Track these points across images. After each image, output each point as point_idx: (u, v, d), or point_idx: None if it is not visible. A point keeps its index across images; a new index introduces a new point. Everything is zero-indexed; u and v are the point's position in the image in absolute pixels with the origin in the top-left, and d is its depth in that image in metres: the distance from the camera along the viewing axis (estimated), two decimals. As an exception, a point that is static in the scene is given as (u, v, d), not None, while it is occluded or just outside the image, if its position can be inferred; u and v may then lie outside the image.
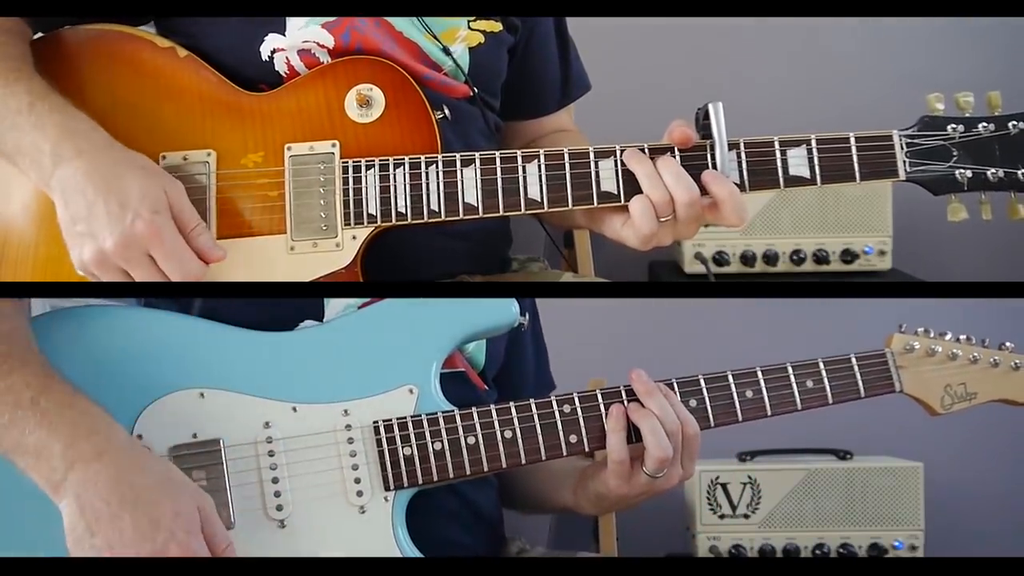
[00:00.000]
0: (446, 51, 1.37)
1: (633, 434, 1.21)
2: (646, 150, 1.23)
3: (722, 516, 2.08)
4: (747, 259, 2.24)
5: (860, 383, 1.28)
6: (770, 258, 2.24)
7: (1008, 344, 1.32)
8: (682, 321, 2.40)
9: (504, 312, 1.26)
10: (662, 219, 1.21)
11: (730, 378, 1.25)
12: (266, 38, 1.31)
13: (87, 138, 1.17)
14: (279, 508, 1.15)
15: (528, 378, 1.47)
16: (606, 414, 1.22)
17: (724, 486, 2.09)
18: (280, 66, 1.31)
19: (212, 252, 1.17)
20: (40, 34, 1.30)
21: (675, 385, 1.24)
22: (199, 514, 1.07)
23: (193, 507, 1.07)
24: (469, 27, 1.39)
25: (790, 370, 1.26)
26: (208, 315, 1.23)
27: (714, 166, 1.21)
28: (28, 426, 1.07)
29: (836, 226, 2.25)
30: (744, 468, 2.09)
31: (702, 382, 1.25)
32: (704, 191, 1.20)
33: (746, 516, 2.08)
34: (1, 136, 1.18)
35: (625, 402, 1.22)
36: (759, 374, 1.26)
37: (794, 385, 1.26)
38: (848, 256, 2.24)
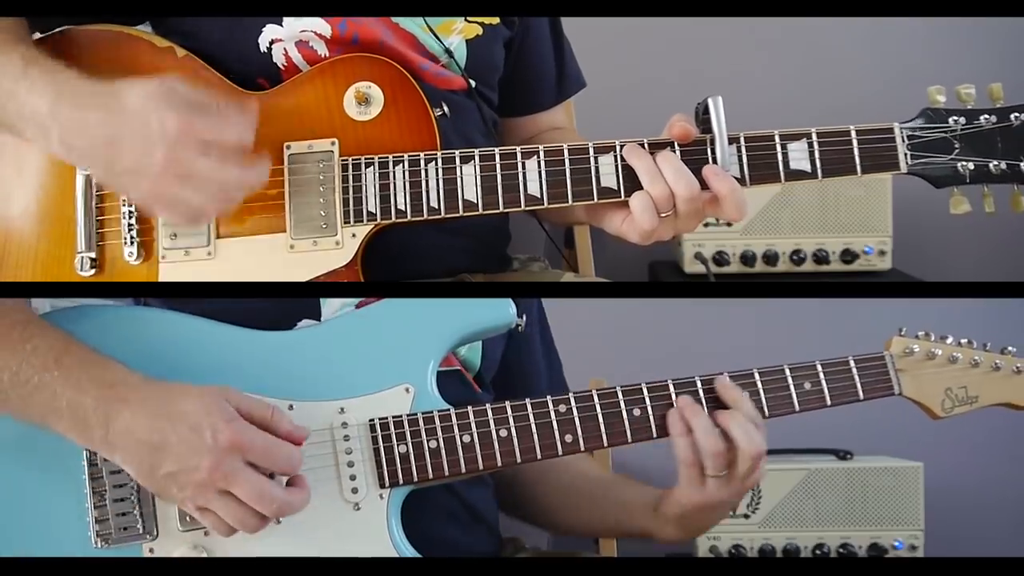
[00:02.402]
0: (443, 43, 1.37)
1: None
2: (646, 145, 1.23)
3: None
4: (747, 259, 2.24)
5: (859, 386, 1.27)
6: (770, 258, 2.25)
7: (1010, 348, 1.31)
8: (682, 321, 2.40)
9: (501, 312, 1.25)
10: (663, 215, 1.21)
11: (726, 379, 1.24)
12: (264, 29, 1.31)
13: (81, 89, 1.15)
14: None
15: (541, 389, 1.46)
16: (601, 415, 1.22)
17: (724, 486, 2.08)
18: (278, 58, 1.31)
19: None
20: (38, 34, 1.30)
21: (670, 386, 1.23)
22: (228, 401, 1.09)
23: (219, 398, 1.09)
24: (466, 20, 1.39)
25: (788, 372, 1.26)
26: (207, 314, 1.23)
27: (714, 160, 1.21)
28: (57, 387, 1.09)
29: (836, 226, 2.25)
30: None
31: (698, 383, 1.24)
32: (704, 186, 1.20)
33: (746, 516, 2.08)
34: (2, 107, 1.17)
35: (622, 401, 1.22)
36: (756, 376, 1.25)
37: (792, 387, 1.25)
38: (848, 256, 2.24)
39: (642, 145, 1.23)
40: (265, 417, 1.11)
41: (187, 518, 1.14)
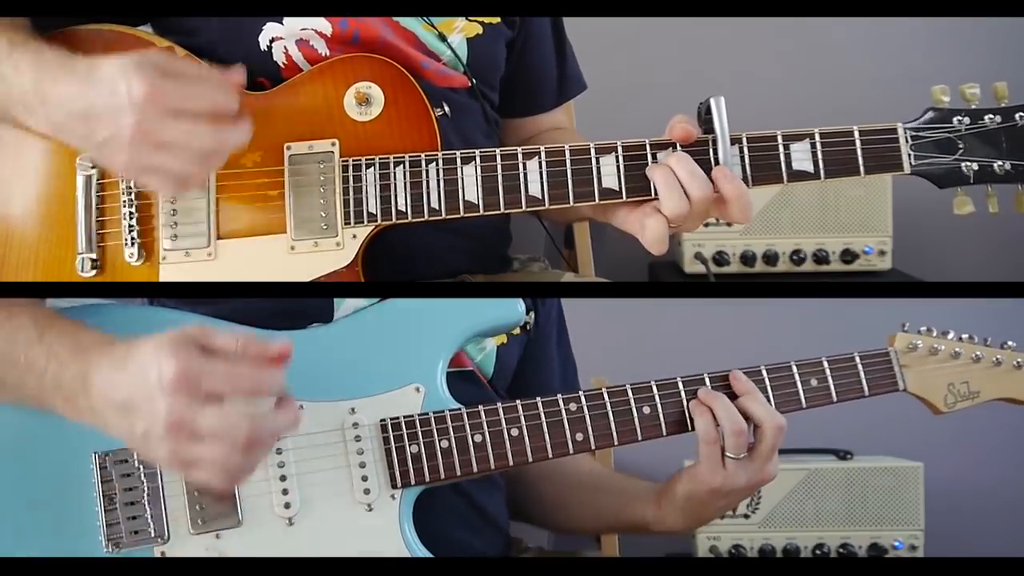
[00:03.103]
0: (444, 40, 1.37)
1: (691, 423, 1.23)
2: (647, 146, 1.23)
3: (722, 516, 2.07)
4: (747, 259, 2.24)
5: (864, 382, 1.27)
6: (770, 258, 2.25)
7: (1011, 343, 1.31)
8: (682, 321, 2.40)
9: (510, 310, 1.26)
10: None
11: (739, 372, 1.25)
12: (264, 27, 1.31)
13: (60, 63, 1.14)
14: (287, 506, 1.15)
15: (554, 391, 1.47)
16: (612, 413, 1.22)
17: (724, 486, 2.08)
18: (279, 56, 1.31)
19: (231, 74, 1.15)
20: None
21: (679, 383, 1.24)
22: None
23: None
24: (468, 18, 1.39)
25: (795, 369, 1.26)
26: (216, 316, 1.23)
27: (716, 161, 1.21)
28: (41, 363, 1.08)
29: (836, 226, 2.25)
30: (744, 468, 2.08)
31: (707, 380, 1.25)
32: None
33: (746, 516, 2.08)
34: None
35: (632, 399, 1.22)
36: (764, 372, 1.26)
37: (799, 384, 1.26)
38: (848, 256, 2.25)
39: (643, 146, 1.22)
40: (228, 346, 1.04)
41: (199, 520, 1.14)
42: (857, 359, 1.28)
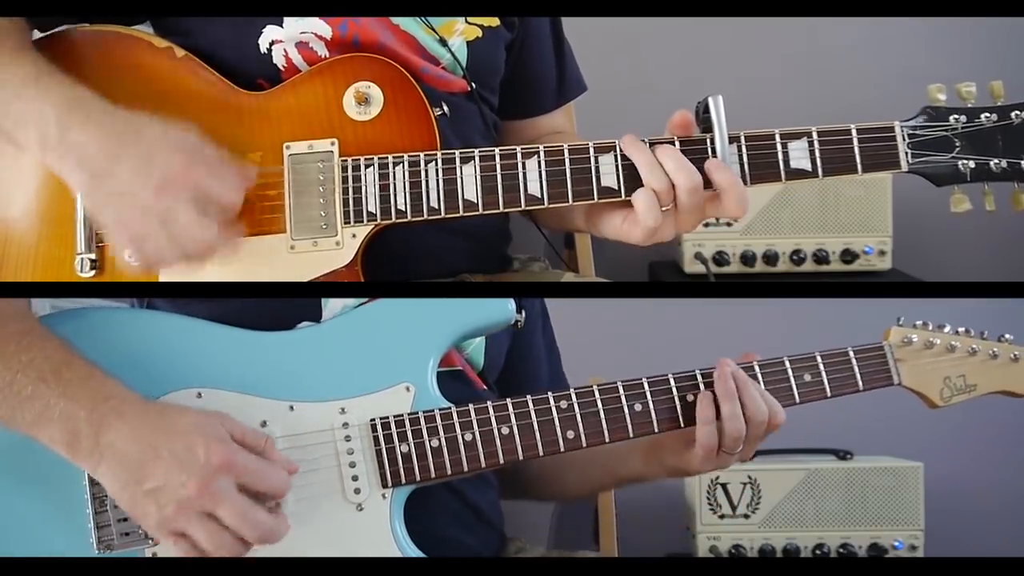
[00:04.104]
0: (444, 44, 1.37)
1: (683, 420, 1.24)
2: (646, 143, 1.23)
3: (722, 516, 2.08)
4: (747, 259, 2.24)
5: (858, 376, 1.27)
6: (770, 258, 2.25)
7: (1007, 336, 1.31)
8: (682, 321, 2.40)
9: (500, 310, 1.26)
10: (664, 208, 1.21)
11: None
12: (264, 30, 1.31)
13: (94, 105, 1.16)
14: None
15: (541, 386, 1.47)
16: (603, 410, 1.22)
17: (724, 486, 2.09)
18: (278, 59, 1.31)
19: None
20: (38, 33, 1.30)
21: (671, 380, 1.24)
22: (222, 426, 1.09)
23: (214, 420, 1.09)
24: (467, 21, 1.39)
25: (787, 364, 1.26)
26: (207, 316, 1.23)
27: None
28: (51, 399, 1.08)
29: (836, 226, 2.25)
30: (744, 468, 2.08)
31: (699, 377, 1.25)
32: (706, 183, 1.21)
33: (746, 516, 2.08)
34: (4, 108, 1.17)
35: (623, 396, 1.22)
36: (756, 368, 1.26)
37: (792, 379, 1.26)
38: (848, 256, 2.25)
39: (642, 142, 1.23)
40: (259, 444, 1.10)
41: None
42: (851, 353, 1.28)
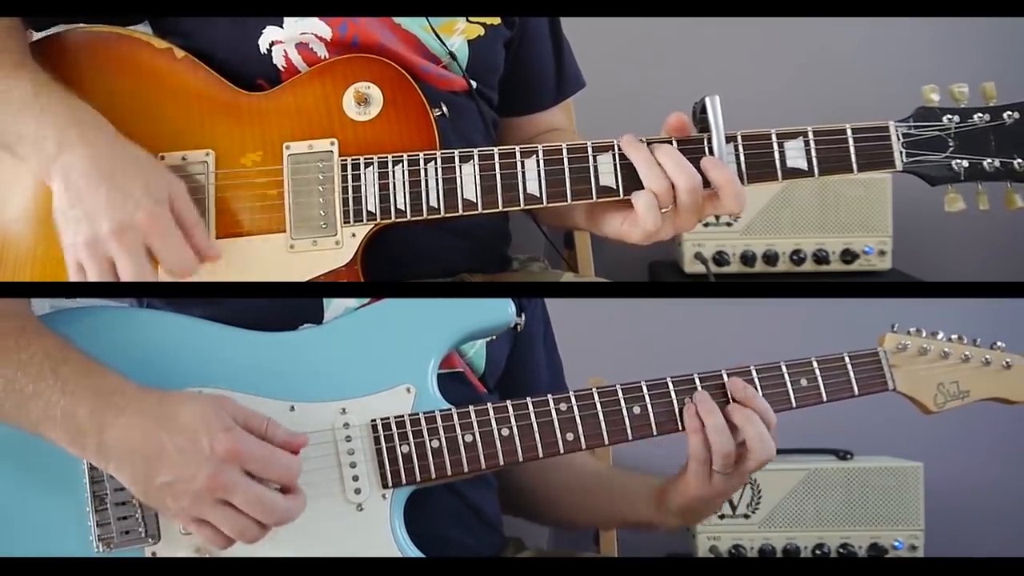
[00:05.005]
0: (444, 43, 1.37)
1: (681, 424, 1.24)
2: (644, 143, 1.23)
3: (722, 516, 2.07)
4: (747, 259, 2.24)
5: (854, 382, 1.28)
6: (770, 258, 2.24)
7: (999, 343, 1.32)
8: (682, 321, 2.40)
9: (500, 312, 1.26)
10: (664, 209, 1.21)
11: (724, 376, 1.26)
12: (264, 31, 1.31)
13: (93, 127, 1.17)
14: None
15: (541, 390, 1.47)
16: (602, 413, 1.22)
17: (724, 486, 2.08)
18: (278, 60, 1.31)
19: (209, 250, 1.18)
20: (36, 34, 1.31)
21: (669, 384, 1.24)
22: (224, 410, 1.09)
23: (216, 407, 1.09)
24: (468, 20, 1.40)
25: (784, 368, 1.27)
26: (208, 317, 1.23)
27: (712, 158, 1.22)
28: (52, 396, 1.08)
29: (836, 226, 2.25)
30: (744, 468, 2.08)
31: (697, 381, 1.25)
32: (704, 181, 1.21)
33: (746, 516, 2.08)
34: (3, 124, 1.18)
35: (622, 399, 1.23)
36: (754, 372, 1.26)
37: (788, 384, 1.26)
38: (848, 256, 2.24)
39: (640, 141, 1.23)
40: (261, 427, 1.10)
41: None
42: (847, 359, 1.29)
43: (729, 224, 2.24)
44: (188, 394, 1.12)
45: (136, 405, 1.09)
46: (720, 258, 2.25)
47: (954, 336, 1.32)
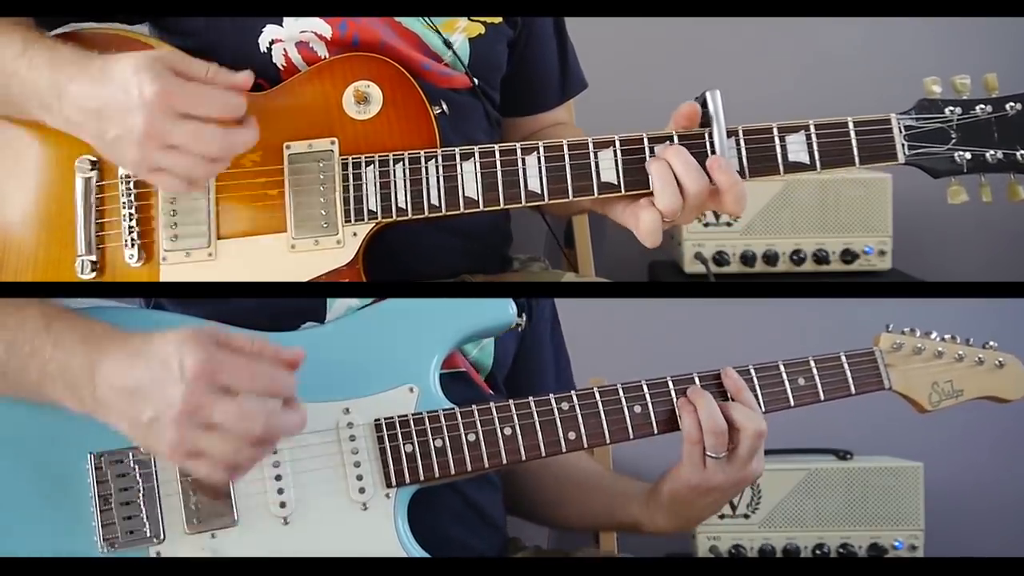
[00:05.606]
0: (446, 41, 1.37)
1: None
2: (645, 140, 1.23)
3: (722, 516, 2.08)
4: (747, 259, 2.24)
5: (850, 381, 1.29)
6: (770, 258, 2.24)
7: (992, 343, 1.34)
8: (682, 321, 2.40)
9: (501, 312, 1.26)
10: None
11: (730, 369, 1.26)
12: (264, 30, 1.31)
13: (74, 62, 1.17)
14: (282, 505, 1.16)
15: (548, 388, 1.47)
16: (603, 412, 1.23)
17: (724, 486, 2.08)
18: (278, 59, 1.31)
19: (238, 78, 1.15)
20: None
21: (669, 383, 1.25)
22: (208, 334, 1.05)
23: (201, 333, 1.05)
24: (470, 18, 1.40)
25: (782, 368, 1.28)
26: (211, 317, 1.23)
27: (713, 153, 1.22)
28: (47, 351, 1.08)
29: (836, 226, 2.25)
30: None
31: (696, 380, 1.26)
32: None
33: (746, 516, 2.08)
34: (24, 91, 1.18)
35: (623, 398, 1.23)
36: (752, 372, 1.27)
37: (786, 382, 1.27)
38: (848, 256, 2.24)
39: (641, 140, 1.23)
40: (244, 346, 1.05)
41: (194, 520, 1.14)
42: (843, 358, 1.30)
43: (729, 224, 2.24)
44: (171, 330, 1.06)
45: (118, 344, 1.07)
46: (720, 258, 2.24)
47: (948, 336, 1.33)
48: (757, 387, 1.26)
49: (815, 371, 1.28)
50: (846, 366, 1.29)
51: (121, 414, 1.05)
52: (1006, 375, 1.32)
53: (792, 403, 1.27)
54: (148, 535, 1.13)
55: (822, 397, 1.28)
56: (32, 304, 1.12)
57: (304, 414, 1.08)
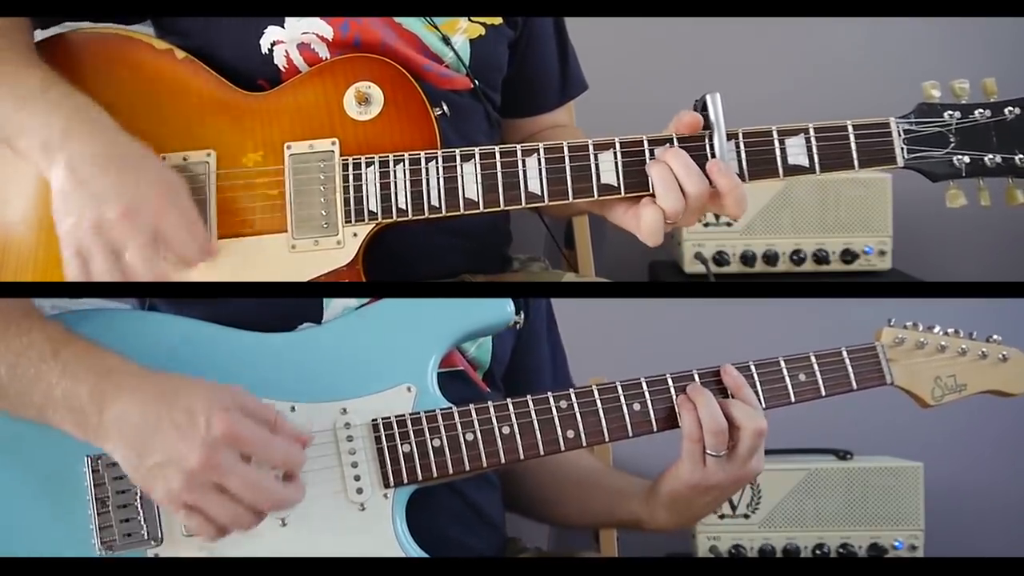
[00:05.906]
0: (447, 42, 1.37)
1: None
2: (645, 142, 1.23)
3: (722, 516, 2.08)
4: (747, 259, 2.24)
5: (852, 376, 1.29)
6: (770, 258, 2.25)
7: (995, 337, 1.33)
8: (682, 321, 2.40)
9: (499, 311, 1.26)
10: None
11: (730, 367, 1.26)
12: (265, 30, 1.31)
13: (100, 122, 1.17)
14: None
15: (545, 384, 1.47)
16: (602, 410, 1.23)
17: (724, 486, 2.08)
18: (279, 60, 1.31)
19: (209, 245, 1.17)
20: (40, 34, 1.31)
21: (669, 380, 1.25)
22: (231, 396, 1.06)
23: (221, 391, 1.06)
24: (470, 19, 1.40)
25: (783, 364, 1.27)
26: (208, 318, 1.23)
27: (713, 156, 1.22)
28: (53, 378, 1.07)
29: (836, 226, 2.25)
30: (744, 468, 2.08)
31: (696, 377, 1.25)
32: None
33: (746, 516, 2.08)
34: (6, 115, 1.17)
35: (622, 396, 1.23)
36: (752, 368, 1.27)
37: (787, 378, 1.27)
38: (848, 256, 2.24)
39: (641, 142, 1.23)
40: (269, 419, 1.08)
41: None
42: (844, 354, 1.29)
43: (729, 224, 2.24)
44: (194, 378, 1.08)
45: (136, 382, 1.07)
46: (720, 258, 2.25)
47: (951, 330, 1.32)
48: (757, 383, 1.26)
49: (816, 366, 1.28)
50: (847, 361, 1.29)
51: (126, 448, 1.05)
52: (1010, 369, 1.32)
53: (793, 399, 1.27)
54: (145, 537, 1.14)
55: (823, 393, 1.28)
56: (37, 328, 1.11)
57: (303, 489, 1.10)
